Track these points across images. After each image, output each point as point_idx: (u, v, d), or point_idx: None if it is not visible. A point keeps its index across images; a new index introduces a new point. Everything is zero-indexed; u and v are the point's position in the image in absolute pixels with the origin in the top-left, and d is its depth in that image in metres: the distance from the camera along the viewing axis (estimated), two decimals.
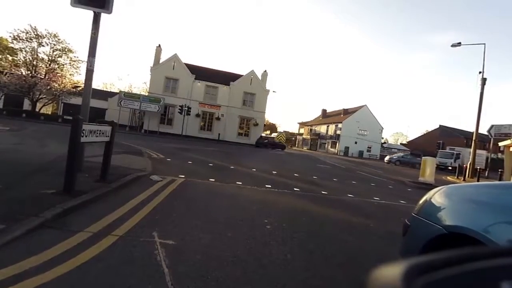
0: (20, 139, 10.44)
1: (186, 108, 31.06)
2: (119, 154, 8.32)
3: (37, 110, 31.99)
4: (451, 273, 0.40)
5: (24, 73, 30.21)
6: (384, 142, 62.59)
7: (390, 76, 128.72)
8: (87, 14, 5.01)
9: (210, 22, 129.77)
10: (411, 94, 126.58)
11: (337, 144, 52.61)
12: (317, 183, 8.21)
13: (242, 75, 38.05)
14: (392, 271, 0.40)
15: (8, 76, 28.81)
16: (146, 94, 34.85)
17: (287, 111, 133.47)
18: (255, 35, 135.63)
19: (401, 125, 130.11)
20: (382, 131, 56.77)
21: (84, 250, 2.36)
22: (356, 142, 52.81)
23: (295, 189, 6.69)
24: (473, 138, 18.17)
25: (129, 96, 32.31)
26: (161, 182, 5.47)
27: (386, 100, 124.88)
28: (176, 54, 35.48)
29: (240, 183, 6.49)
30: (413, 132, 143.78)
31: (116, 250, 2.46)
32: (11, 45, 33.91)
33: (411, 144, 66.01)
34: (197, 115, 35.30)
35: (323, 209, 5.11)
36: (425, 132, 74.68)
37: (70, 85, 33.28)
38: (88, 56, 5.21)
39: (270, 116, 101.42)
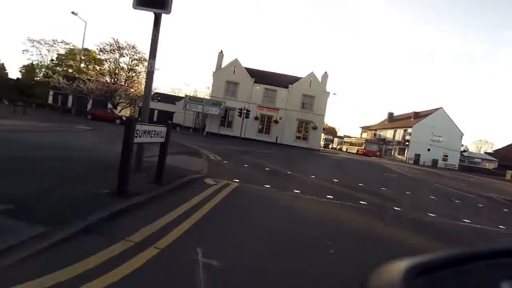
0: (98, 138, 11.58)
1: (245, 111, 31.54)
2: (179, 155, 8.49)
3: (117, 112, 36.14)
4: (451, 273, 0.40)
5: (108, 81, 34.61)
6: (464, 150, 54.55)
7: (471, 74, 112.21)
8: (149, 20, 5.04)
9: (270, 24, 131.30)
10: (497, 94, 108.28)
11: (406, 150, 47.59)
12: (387, 197, 7.12)
13: (301, 78, 37.21)
14: (393, 270, 0.40)
15: (94, 83, 33.22)
16: (209, 98, 36.52)
17: (348, 114, 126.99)
18: (316, 35, 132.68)
19: (485, 131, 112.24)
20: (462, 137, 49.51)
21: (119, 264, 2.09)
22: (429, 150, 46.99)
23: (361, 202, 5.82)
24: None
25: (194, 100, 34.29)
26: (215, 186, 5.24)
27: (466, 103, 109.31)
28: (236, 59, 36.48)
29: (298, 191, 5.90)
30: (501, 139, 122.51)
31: (153, 267, 2.15)
32: (98, 56, 39.53)
33: (498, 154, 56.42)
34: (256, 118, 35.61)
35: (399, 232, 4.20)
36: None
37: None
38: (149, 58, 5.27)
39: (330, 119, 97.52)
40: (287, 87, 36.08)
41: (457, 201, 8.17)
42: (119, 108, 36.62)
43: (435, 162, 45.50)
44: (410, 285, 0.37)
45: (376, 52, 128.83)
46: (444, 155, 47.24)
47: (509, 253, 0.45)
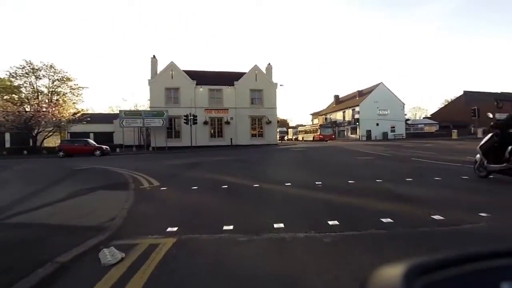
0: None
1: (192, 117, 28.45)
2: (92, 193, 5.59)
3: (38, 144, 30.27)
4: (451, 273, 0.41)
5: (27, 109, 28.56)
6: (408, 119, 57.99)
7: (398, 47, 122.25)
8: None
9: (202, 21, 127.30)
10: (422, 63, 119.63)
11: (358, 129, 48.75)
12: (409, 197, 4.97)
13: (245, 73, 35.18)
14: (392, 271, 0.40)
15: (13, 115, 27.15)
16: (149, 109, 32.49)
17: (296, 104, 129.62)
18: (251, 28, 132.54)
19: (417, 99, 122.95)
20: (403, 107, 52.44)
21: None
22: (377, 124, 48.75)
23: (382, 219, 3.63)
24: None
25: (130, 114, 30.06)
26: (121, 263, 2.57)
27: (400, 75, 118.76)
28: (172, 62, 33.09)
29: (282, 225, 3.48)
30: (432, 104, 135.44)
31: None
32: (9, 83, 32.91)
33: (436, 117, 61.29)
34: (205, 123, 32.68)
35: None
36: (446, 102, 69.65)
37: (68, 114, 31.58)
38: None
39: (280, 111, 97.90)
40: (232, 85, 33.76)
41: (465, 177, 6.57)
42: (38, 137, 30.69)
43: (385, 135, 47.31)
44: (411, 286, 0.37)
45: (311, 38, 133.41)
46: (391, 127, 49.44)
47: (510, 253, 0.44)
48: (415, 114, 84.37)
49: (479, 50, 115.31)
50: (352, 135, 50.88)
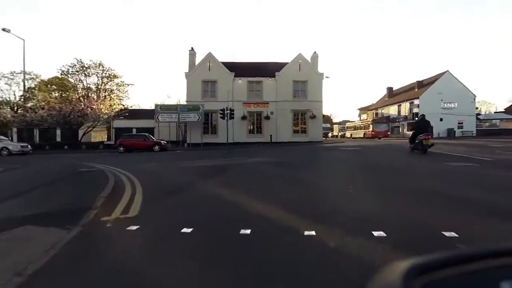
0: None
1: (229, 111, 26.09)
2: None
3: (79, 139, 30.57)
4: (451, 273, 0.41)
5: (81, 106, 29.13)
6: (479, 114, 49.37)
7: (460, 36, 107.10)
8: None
9: (243, 10, 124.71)
10: (488, 53, 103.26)
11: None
12: None
13: (287, 63, 31.83)
14: (392, 271, 0.40)
15: (45, 111, 27.60)
16: (185, 103, 30.91)
17: (341, 99, 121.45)
18: (294, 14, 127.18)
19: (482, 93, 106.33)
20: (474, 100, 44.36)
21: None
22: (441, 119, 41.63)
23: None
24: None
25: (166, 108, 28.70)
26: None
27: (464, 65, 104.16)
28: (210, 53, 31.07)
29: None
30: (500, 99, 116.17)
31: None
32: (68, 80, 34.57)
33: (510, 112, 51.48)
34: (243, 118, 30.19)
35: None
36: None
37: (110, 109, 31.59)
38: None
39: (324, 106, 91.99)
40: (273, 76, 30.69)
41: None
42: (81, 132, 31.02)
43: (451, 131, 40.30)
44: (410, 285, 0.38)
45: (358, 25, 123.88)
46: (459, 123, 42.11)
47: (510, 253, 0.44)
48: (480, 110, 72.51)
49: None
50: (408, 132, 44.51)
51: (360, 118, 64.29)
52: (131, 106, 41.85)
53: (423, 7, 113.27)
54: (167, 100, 45.21)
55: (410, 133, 46.52)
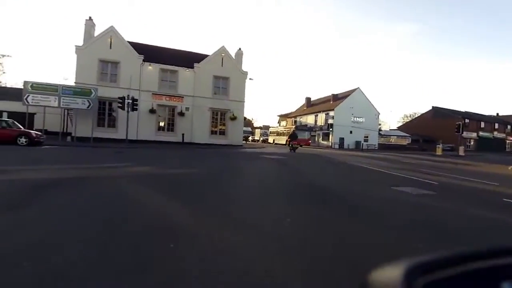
0: None
1: (130, 101, 20.89)
2: None
3: None
4: (452, 273, 0.41)
5: None
6: (380, 129, 55.24)
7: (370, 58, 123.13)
8: None
9: None
10: (391, 77, 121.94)
11: (330, 135, 44.25)
12: None
13: (209, 55, 28.27)
14: (393, 271, 0.40)
15: None
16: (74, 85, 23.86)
17: (261, 104, 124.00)
18: (221, 8, 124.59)
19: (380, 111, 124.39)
20: (378, 116, 49.21)
21: None
22: (351, 132, 44.71)
23: None
24: None
25: (40, 88, 21.31)
26: None
27: (368, 84, 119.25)
28: (113, 26, 25.00)
29: None
30: (391, 118, 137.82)
31: None
32: None
33: (405, 129, 59.97)
34: (152, 111, 25.22)
35: None
36: (406, 117, 68.93)
37: None
38: None
39: (245, 109, 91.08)
40: (192, 67, 26.67)
41: None
42: None
43: (358, 144, 43.46)
44: (411, 285, 0.37)
45: (282, 35, 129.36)
46: (365, 136, 45.85)
47: (510, 253, 0.44)
48: (381, 126, 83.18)
49: (440, 70, 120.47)
50: (323, 142, 46.31)
51: (279, 125, 65.24)
52: (5, 84, 31.37)
53: (345, 28, 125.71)
54: (64, 83, 35.60)
55: (324, 142, 57.55)
